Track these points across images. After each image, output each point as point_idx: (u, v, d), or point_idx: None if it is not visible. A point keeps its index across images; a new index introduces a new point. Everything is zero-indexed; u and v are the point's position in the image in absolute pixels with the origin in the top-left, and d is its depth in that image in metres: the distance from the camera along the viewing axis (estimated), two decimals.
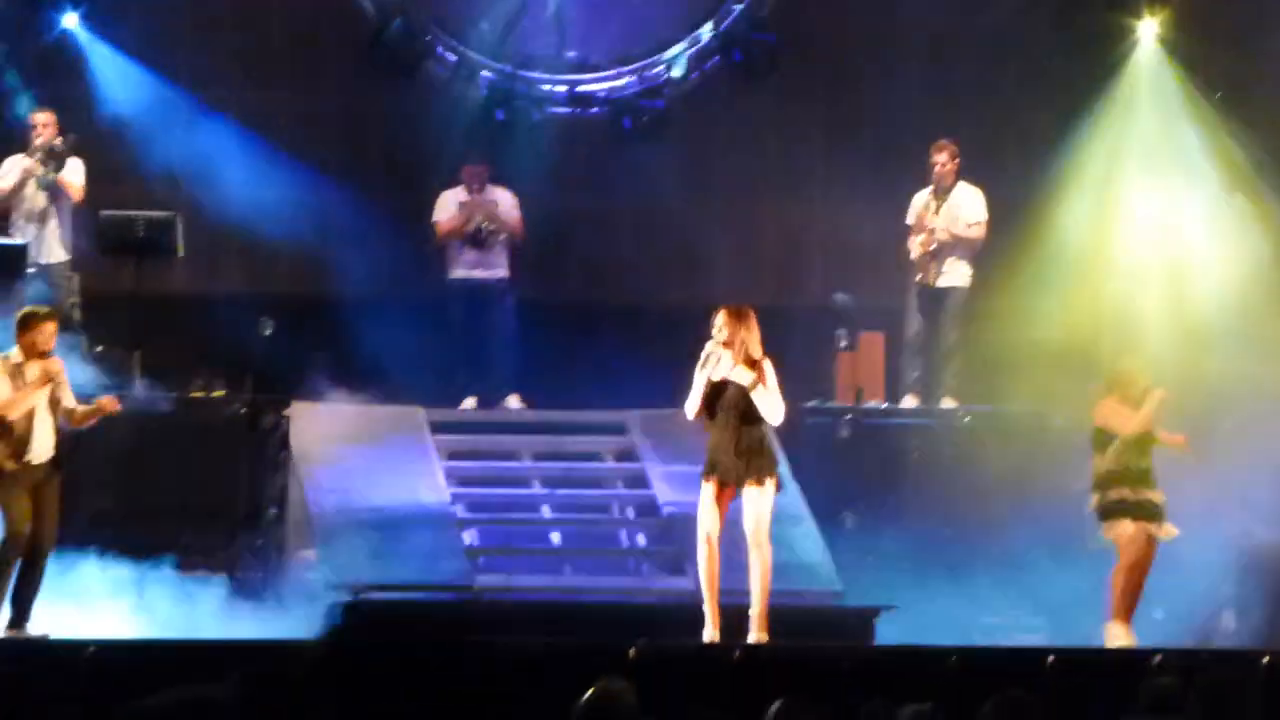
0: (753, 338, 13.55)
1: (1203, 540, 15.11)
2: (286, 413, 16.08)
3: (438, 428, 16.92)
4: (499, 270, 17.70)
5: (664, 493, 16.27)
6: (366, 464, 16.26)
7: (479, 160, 17.71)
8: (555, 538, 16.32)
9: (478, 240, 17.64)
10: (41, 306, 14.62)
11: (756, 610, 13.38)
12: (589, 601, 15.44)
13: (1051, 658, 12.52)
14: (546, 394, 17.55)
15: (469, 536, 15.92)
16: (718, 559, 13.57)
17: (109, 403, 14.04)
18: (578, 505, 16.63)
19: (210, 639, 13.85)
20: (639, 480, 16.66)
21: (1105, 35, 18.22)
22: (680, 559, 15.81)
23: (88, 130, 16.87)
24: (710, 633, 13.54)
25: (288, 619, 14.91)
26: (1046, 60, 18.58)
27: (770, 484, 13.44)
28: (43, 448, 13.51)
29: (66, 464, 13.86)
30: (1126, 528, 14.47)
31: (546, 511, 16.45)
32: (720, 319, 13.50)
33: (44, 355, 13.57)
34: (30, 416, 13.49)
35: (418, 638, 13.81)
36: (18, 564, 13.72)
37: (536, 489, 16.62)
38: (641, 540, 16.29)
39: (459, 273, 17.65)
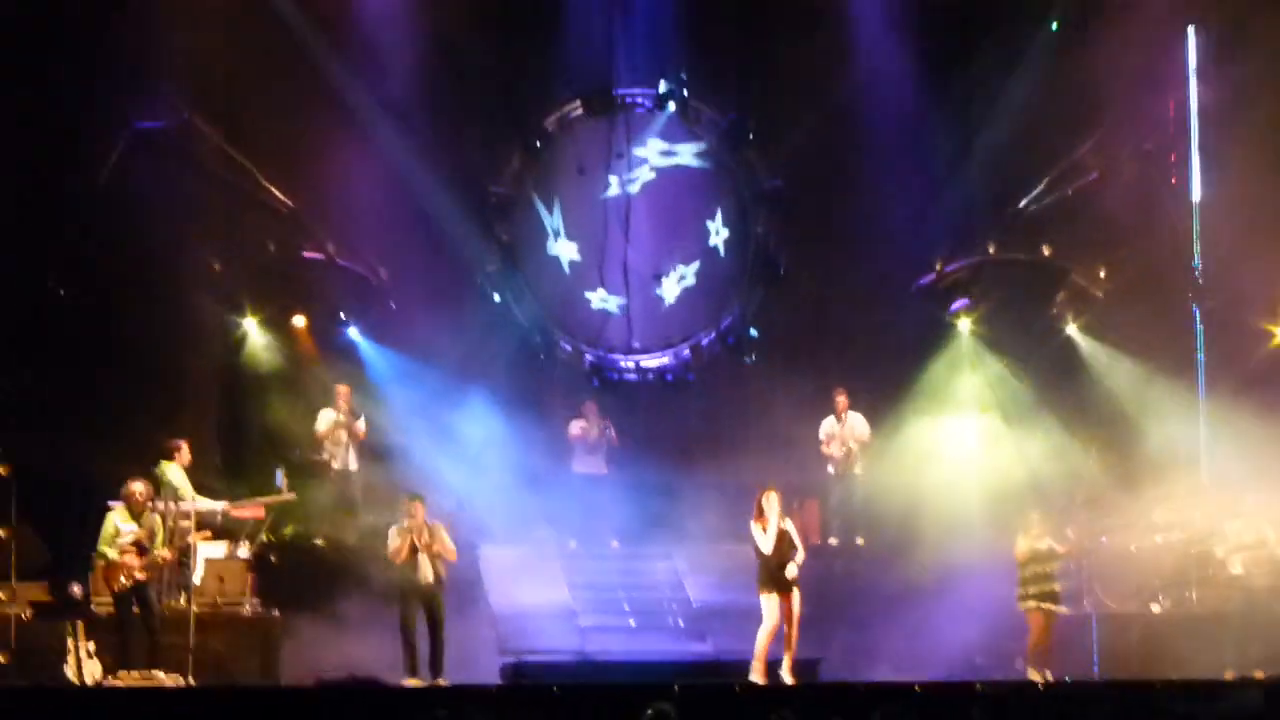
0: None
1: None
2: (478, 554, 20.52)
3: (562, 557, 21.08)
4: (602, 468, 22.35)
5: (694, 595, 20.54)
6: (521, 578, 20.21)
7: (593, 400, 22.55)
8: (631, 621, 20.24)
9: (594, 447, 22.22)
10: (416, 493, 18.68)
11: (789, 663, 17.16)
12: (651, 659, 18.88)
13: (979, 685, 15.69)
14: (628, 535, 21.73)
15: (582, 620, 19.78)
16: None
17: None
18: (644, 602, 20.43)
19: (422, 686, 17.22)
20: (679, 587, 20.79)
21: (936, 328, 23.31)
22: (704, 633, 19.74)
23: (366, 392, 21.93)
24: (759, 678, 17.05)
25: (475, 673, 18.53)
26: (901, 347, 23.60)
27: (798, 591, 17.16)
28: (425, 574, 17.99)
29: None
30: (1032, 609, 18.54)
31: (626, 605, 20.40)
32: (773, 495, 17.42)
33: (421, 521, 17.95)
34: (414, 558, 18.01)
35: (553, 682, 16.30)
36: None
37: (620, 593, 20.61)
38: (681, 623, 20.25)
39: (580, 469, 22.24)
